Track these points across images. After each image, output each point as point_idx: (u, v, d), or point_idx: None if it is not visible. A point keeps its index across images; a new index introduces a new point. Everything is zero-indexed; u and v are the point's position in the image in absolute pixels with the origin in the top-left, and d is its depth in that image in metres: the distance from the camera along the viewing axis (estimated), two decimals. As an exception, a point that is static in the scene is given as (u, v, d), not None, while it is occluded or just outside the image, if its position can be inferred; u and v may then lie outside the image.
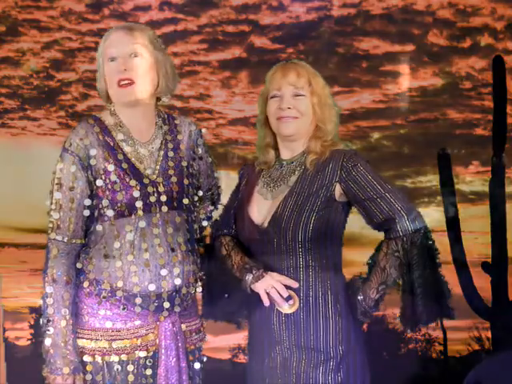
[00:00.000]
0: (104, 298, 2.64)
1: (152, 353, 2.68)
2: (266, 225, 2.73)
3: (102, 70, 2.72)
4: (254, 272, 2.68)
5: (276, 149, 2.84)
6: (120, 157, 2.69)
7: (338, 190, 2.70)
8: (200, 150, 2.85)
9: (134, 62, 2.67)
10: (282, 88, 2.75)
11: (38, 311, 6.45)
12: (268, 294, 2.67)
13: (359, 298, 2.67)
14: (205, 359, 2.85)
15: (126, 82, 2.66)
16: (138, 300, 2.64)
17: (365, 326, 2.82)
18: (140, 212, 2.65)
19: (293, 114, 2.74)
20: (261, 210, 2.76)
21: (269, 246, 2.71)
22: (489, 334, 6.33)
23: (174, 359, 2.68)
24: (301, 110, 2.75)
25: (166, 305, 2.66)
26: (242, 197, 2.85)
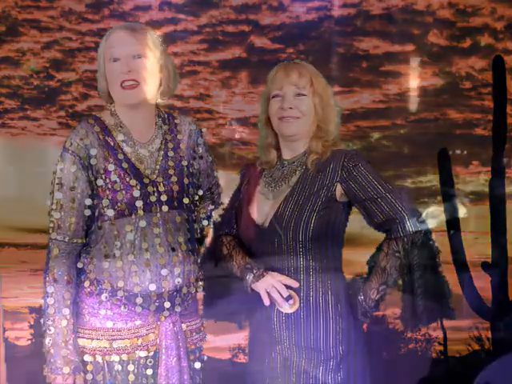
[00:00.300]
0: (105, 297, 2.64)
1: (153, 352, 2.68)
2: (266, 225, 2.72)
3: (102, 70, 2.71)
4: (254, 271, 2.68)
5: (278, 149, 2.84)
6: (120, 156, 2.69)
7: (338, 190, 2.70)
8: (200, 149, 2.85)
9: (139, 64, 2.65)
10: (283, 88, 2.75)
11: (38, 311, 6.44)
12: (268, 293, 2.67)
13: (360, 298, 2.67)
14: (205, 359, 2.85)
15: (131, 83, 2.65)
16: (139, 300, 2.64)
17: (365, 326, 2.82)
18: (140, 212, 2.65)
19: (294, 114, 2.74)
20: (262, 209, 2.76)
21: (270, 245, 2.71)
22: (489, 334, 6.31)
23: (175, 359, 2.67)
24: (302, 110, 2.74)
25: (167, 305, 2.66)
26: (243, 197, 2.85)
